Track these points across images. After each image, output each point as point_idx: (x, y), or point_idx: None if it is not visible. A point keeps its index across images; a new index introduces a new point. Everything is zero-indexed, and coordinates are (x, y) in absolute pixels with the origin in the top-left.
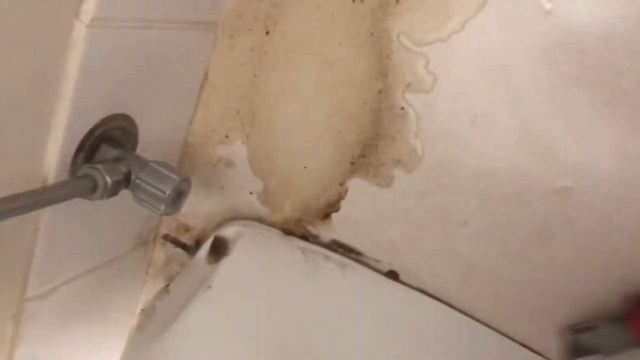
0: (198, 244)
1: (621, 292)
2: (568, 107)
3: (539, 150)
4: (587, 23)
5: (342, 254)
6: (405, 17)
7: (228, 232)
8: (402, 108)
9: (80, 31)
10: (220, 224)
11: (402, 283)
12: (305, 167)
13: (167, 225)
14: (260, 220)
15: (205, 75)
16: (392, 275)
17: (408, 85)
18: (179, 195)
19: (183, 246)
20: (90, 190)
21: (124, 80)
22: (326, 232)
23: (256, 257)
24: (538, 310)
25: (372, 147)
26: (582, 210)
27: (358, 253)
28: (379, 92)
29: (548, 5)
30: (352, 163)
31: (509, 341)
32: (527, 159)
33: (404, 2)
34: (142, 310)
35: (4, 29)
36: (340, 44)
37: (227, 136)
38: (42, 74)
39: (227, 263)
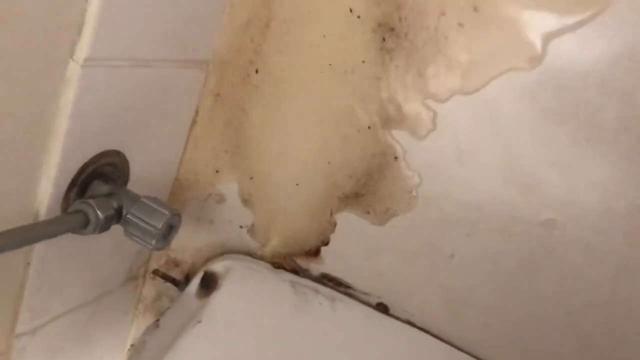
0: (188, 278)
1: (608, 321)
2: (550, 142)
3: (523, 183)
4: (565, 61)
5: (331, 287)
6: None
7: (218, 266)
8: (390, 144)
9: (74, 70)
10: (209, 259)
11: (392, 316)
12: (294, 200)
13: (157, 260)
14: (250, 254)
15: (196, 112)
16: (382, 308)
17: (395, 121)
18: (169, 230)
19: (173, 281)
20: (82, 225)
21: (116, 117)
22: (316, 266)
23: (246, 291)
24: (527, 343)
25: (362, 182)
26: (566, 242)
27: (347, 286)
28: (369, 127)
29: None
30: (342, 196)
31: None
32: (512, 193)
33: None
34: (131, 345)
35: (1, 67)
36: (329, 81)
37: (217, 171)
38: (36, 111)
39: (217, 297)
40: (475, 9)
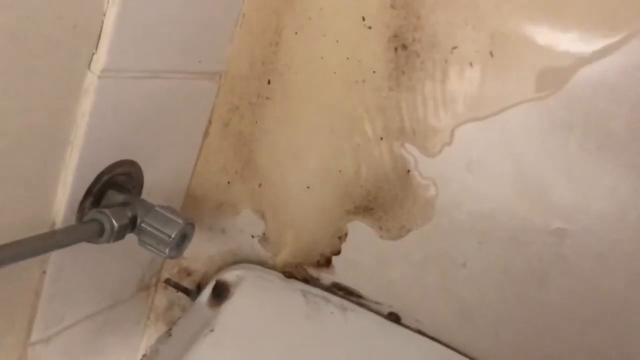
0: (199, 288)
1: (619, 331)
2: (560, 151)
3: (534, 193)
4: (578, 74)
5: (342, 296)
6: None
7: (229, 275)
8: (403, 156)
9: (91, 81)
10: (221, 268)
11: (403, 325)
12: (305, 209)
13: (169, 270)
14: (261, 263)
15: (209, 123)
16: (393, 317)
17: (407, 134)
18: (183, 239)
19: (185, 290)
20: (98, 234)
21: (131, 127)
22: (327, 275)
23: (258, 300)
24: (538, 352)
25: (372, 193)
26: (577, 251)
27: (359, 296)
28: (380, 138)
29: None
30: (354, 206)
31: None
32: (523, 202)
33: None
34: (143, 355)
35: (20, 78)
36: (340, 90)
37: (228, 182)
38: (54, 121)
39: (229, 307)
40: (492, 54)
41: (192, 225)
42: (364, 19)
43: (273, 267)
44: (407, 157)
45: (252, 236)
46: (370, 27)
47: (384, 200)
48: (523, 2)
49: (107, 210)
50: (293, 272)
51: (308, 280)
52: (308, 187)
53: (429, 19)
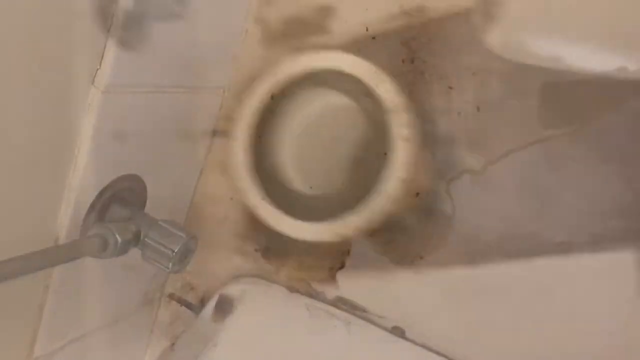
0: (203, 302)
1: (626, 346)
2: (564, 164)
3: (538, 207)
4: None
5: (346, 310)
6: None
7: (233, 290)
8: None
9: (95, 97)
10: (225, 282)
11: (408, 339)
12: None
13: (173, 284)
14: (265, 277)
15: (212, 137)
16: (398, 331)
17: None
18: (186, 253)
19: (188, 305)
20: (101, 249)
21: (134, 142)
22: (331, 289)
23: (261, 314)
24: None
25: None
26: (582, 265)
27: (363, 310)
28: (385, 153)
29: None
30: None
31: None
32: (527, 216)
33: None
34: None
35: (24, 94)
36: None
37: (231, 198)
38: (58, 137)
39: (233, 321)
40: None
41: (196, 239)
42: (367, 29)
43: (276, 281)
44: (418, 179)
45: (256, 250)
46: (374, 38)
47: (390, 220)
48: None
49: (110, 225)
50: (297, 286)
51: (312, 294)
52: (310, 199)
53: (440, 42)
